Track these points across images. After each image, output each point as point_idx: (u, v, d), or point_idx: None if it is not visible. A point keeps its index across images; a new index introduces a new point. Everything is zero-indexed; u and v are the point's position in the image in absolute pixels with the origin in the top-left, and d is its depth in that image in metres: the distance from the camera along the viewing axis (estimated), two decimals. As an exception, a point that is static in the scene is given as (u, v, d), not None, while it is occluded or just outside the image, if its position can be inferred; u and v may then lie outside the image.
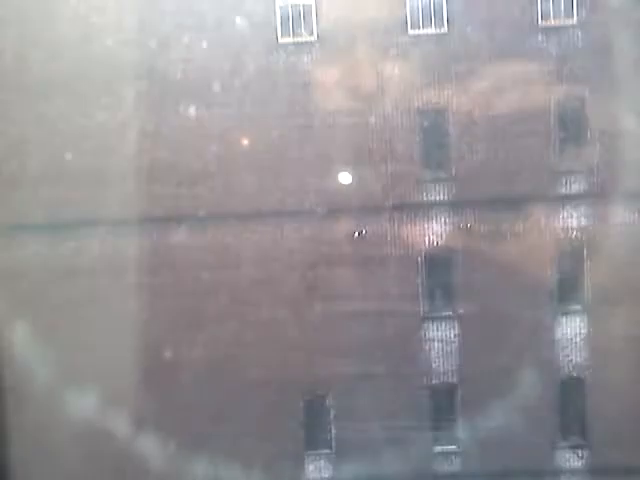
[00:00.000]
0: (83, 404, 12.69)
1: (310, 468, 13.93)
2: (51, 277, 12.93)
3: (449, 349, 14.11)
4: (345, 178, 13.29)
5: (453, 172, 13.58)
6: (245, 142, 12.84)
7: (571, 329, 14.12)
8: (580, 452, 14.60)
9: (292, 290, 13.28)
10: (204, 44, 12.87)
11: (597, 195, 13.51)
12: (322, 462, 13.94)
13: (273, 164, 13.12)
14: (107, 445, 12.89)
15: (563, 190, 13.50)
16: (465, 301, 13.91)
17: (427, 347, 13.98)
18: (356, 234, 13.49)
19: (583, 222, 13.71)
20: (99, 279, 12.83)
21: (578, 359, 14.17)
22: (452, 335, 14.06)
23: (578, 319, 14.12)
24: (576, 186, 13.59)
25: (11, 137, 13.26)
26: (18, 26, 12.86)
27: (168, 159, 12.82)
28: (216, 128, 13.01)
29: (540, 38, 13.31)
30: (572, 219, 13.72)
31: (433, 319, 13.91)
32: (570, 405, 14.39)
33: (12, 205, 13.05)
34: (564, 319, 14.04)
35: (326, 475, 13.93)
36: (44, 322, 12.98)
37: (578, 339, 14.18)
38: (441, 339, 14.05)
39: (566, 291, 13.95)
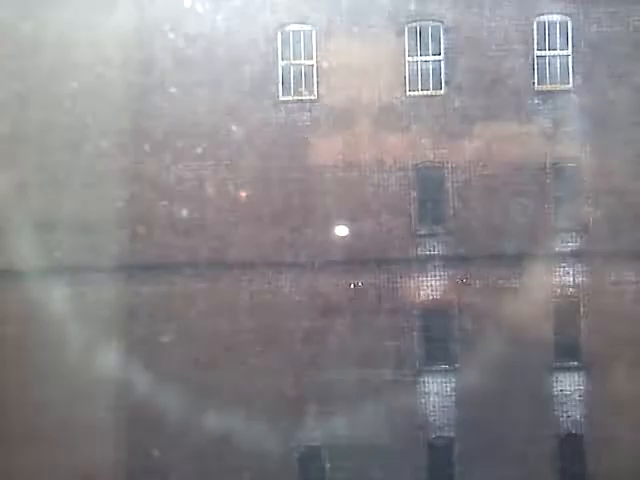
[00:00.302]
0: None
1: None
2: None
3: (446, 403, 14.19)
4: (342, 231, 13.65)
5: (449, 227, 13.76)
6: (243, 194, 13.25)
7: (569, 385, 14.19)
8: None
9: (287, 339, 13.58)
10: (208, 99, 13.60)
11: (593, 253, 13.61)
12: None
13: (270, 216, 13.37)
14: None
15: (559, 248, 13.82)
16: (461, 355, 14.14)
17: (423, 400, 14.17)
18: (352, 285, 13.77)
19: (579, 279, 13.82)
20: (88, 326, 12.80)
21: (577, 416, 14.24)
22: (449, 389, 14.23)
23: (576, 375, 14.17)
24: (572, 244, 13.97)
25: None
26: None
27: (167, 208, 13.30)
28: (214, 179, 13.51)
29: (536, 101, 13.89)
30: (568, 276, 13.76)
31: (429, 372, 14.15)
32: (569, 461, 14.33)
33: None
34: (561, 375, 14.18)
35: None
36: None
37: (576, 395, 14.26)
38: (438, 392, 14.20)
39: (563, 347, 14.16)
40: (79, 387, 12.79)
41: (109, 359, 12.79)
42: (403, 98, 13.52)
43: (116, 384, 12.88)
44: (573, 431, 14.12)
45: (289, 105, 13.47)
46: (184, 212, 13.10)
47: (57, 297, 12.90)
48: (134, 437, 13.04)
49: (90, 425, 12.90)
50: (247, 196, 13.19)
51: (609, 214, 13.24)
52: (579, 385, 14.14)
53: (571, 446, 14.29)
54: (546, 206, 13.50)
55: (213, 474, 13.38)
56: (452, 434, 13.96)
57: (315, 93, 13.67)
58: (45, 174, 13.32)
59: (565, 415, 14.17)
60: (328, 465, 13.72)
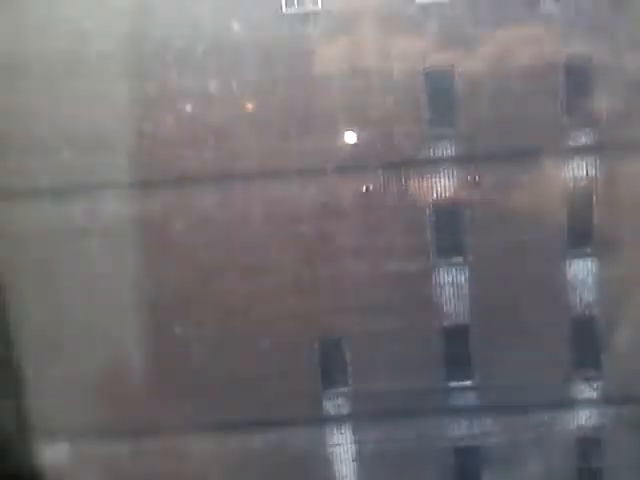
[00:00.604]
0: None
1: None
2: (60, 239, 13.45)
3: (460, 295, 14.71)
4: (351, 137, 13.62)
5: (460, 129, 13.47)
6: (249, 106, 13.21)
7: (582, 271, 14.51)
8: (594, 384, 15.30)
9: (302, 246, 13.95)
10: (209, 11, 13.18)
11: (606, 145, 13.39)
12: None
13: (278, 126, 13.36)
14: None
15: (572, 142, 13.57)
16: (475, 249, 14.45)
17: (438, 291, 14.72)
18: (365, 189, 13.94)
19: (592, 171, 13.78)
20: (108, 241, 13.21)
21: (590, 300, 14.65)
22: (463, 279, 14.67)
23: (589, 261, 14.44)
24: (585, 138, 13.71)
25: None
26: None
27: (175, 123, 13.28)
28: (220, 92, 13.35)
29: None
30: (581, 169, 13.72)
31: (443, 265, 14.46)
32: (583, 341, 14.94)
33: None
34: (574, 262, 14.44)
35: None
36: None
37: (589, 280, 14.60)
38: (452, 283, 14.67)
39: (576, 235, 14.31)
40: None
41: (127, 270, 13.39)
42: (410, 5, 13.06)
43: (135, 291, 13.51)
44: (587, 314, 14.77)
45: (293, 17, 13.09)
46: (189, 125, 13.26)
47: (73, 213, 13.47)
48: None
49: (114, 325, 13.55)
50: (253, 106, 13.23)
51: (623, 107, 12.99)
52: (591, 271, 14.61)
53: (585, 329, 14.96)
54: (559, 103, 13.36)
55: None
56: (466, 321, 14.79)
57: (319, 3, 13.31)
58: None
59: (578, 299, 14.74)
60: (349, 354, 14.80)
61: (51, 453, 13.69)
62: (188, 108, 12.97)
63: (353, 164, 13.51)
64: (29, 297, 12.38)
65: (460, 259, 14.26)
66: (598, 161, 13.38)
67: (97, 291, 13.30)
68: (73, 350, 13.16)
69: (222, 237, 13.70)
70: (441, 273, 14.39)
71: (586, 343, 14.80)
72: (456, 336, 14.69)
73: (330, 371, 14.63)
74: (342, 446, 14.80)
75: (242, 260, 13.87)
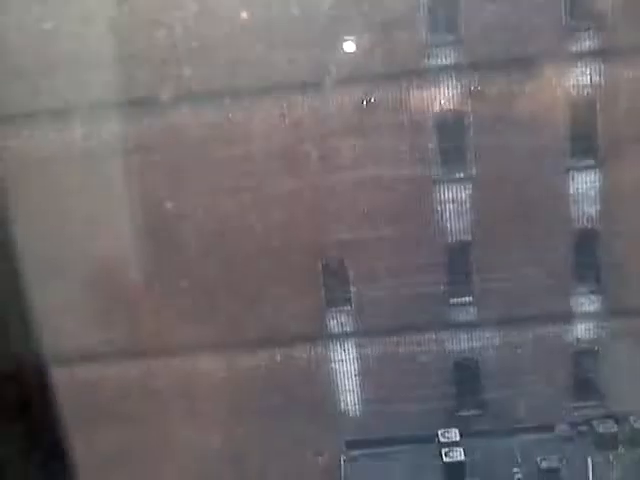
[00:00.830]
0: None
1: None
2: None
3: (462, 209, 14.56)
4: (350, 47, 13.14)
5: (461, 35, 12.90)
6: (245, 15, 12.68)
7: (584, 183, 14.33)
8: (593, 297, 15.38)
9: (305, 160, 13.67)
10: None
11: (610, 51, 12.76)
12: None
13: (276, 37, 12.75)
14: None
15: (575, 48, 13.10)
16: (478, 162, 14.19)
17: (440, 208, 14.55)
18: (364, 102, 13.59)
19: (595, 79, 13.42)
20: (108, 160, 12.95)
21: (592, 212, 14.54)
22: (465, 196, 14.49)
23: (592, 173, 14.25)
24: (588, 42, 13.21)
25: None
26: None
27: (170, 39, 12.80)
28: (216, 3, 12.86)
29: None
30: (584, 76, 13.33)
31: (445, 182, 14.31)
32: (584, 255, 14.92)
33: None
34: (577, 174, 14.24)
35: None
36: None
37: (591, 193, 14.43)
38: (454, 200, 14.48)
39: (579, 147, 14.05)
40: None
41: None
42: None
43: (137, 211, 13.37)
44: (589, 226, 14.69)
45: None
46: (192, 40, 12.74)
47: (83, 134, 13.18)
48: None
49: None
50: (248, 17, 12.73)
51: (627, 11, 12.53)
52: (594, 183, 14.45)
53: (586, 242, 14.92)
54: (562, 5, 12.73)
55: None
56: (469, 238, 14.71)
57: None
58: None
59: (580, 213, 14.64)
60: (352, 273, 14.75)
61: (60, 375, 13.82)
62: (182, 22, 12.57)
63: (352, 75, 13.22)
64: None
65: (462, 174, 14.05)
66: (602, 67, 12.86)
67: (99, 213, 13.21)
68: (77, 271, 13.07)
69: (221, 154, 13.46)
70: (443, 189, 14.26)
71: (587, 257, 14.75)
72: (458, 253, 14.75)
73: (333, 290, 14.64)
74: (345, 362, 14.97)
75: (242, 178, 13.61)
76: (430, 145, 13.58)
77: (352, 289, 14.29)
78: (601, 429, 13.06)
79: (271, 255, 13.72)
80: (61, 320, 12.85)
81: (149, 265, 13.24)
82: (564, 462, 12.43)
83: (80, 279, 12.91)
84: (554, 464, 12.34)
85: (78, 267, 12.87)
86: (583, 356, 14.90)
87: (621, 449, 12.71)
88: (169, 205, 13.05)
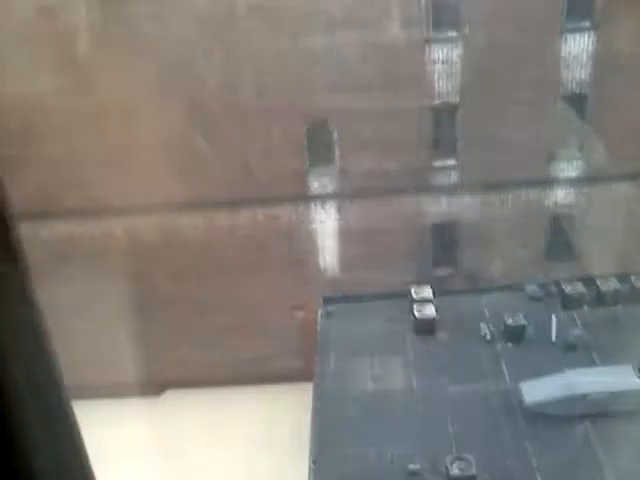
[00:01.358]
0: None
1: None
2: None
3: (452, 71, 14.15)
4: None
5: None
6: None
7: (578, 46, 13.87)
8: (575, 163, 15.41)
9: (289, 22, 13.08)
10: None
11: None
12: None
13: None
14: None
15: None
16: (471, 21, 13.49)
17: (429, 69, 14.10)
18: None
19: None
20: None
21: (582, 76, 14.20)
22: (455, 57, 13.99)
23: (585, 35, 13.76)
24: None
25: None
26: None
27: None
28: None
29: None
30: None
31: (436, 41, 13.68)
32: (569, 119, 14.75)
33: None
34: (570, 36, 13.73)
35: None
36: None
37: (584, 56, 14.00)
38: (444, 60, 14.00)
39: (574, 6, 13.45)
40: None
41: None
42: None
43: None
44: (577, 92, 14.40)
45: None
46: None
47: None
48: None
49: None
50: None
51: None
52: (588, 47, 14.00)
53: (574, 107, 14.66)
54: None
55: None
56: (457, 100, 14.37)
57: None
58: None
59: (571, 76, 14.28)
60: (335, 133, 14.60)
61: (41, 229, 14.07)
62: None
63: None
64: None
65: (454, 33, 13.61)
66: None
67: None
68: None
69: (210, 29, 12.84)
70: (434, 49, 13.79)
71: (572, 121, 14.63)
72: (444, 115, 14.53)
73: (316, 150, 14.48)
74: (326, 223, 15.21)
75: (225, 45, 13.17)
76: (422, 1, 13.00)
77: (336, 151, 14.20)
78: (568, 290, 13.57)
79: (256, 116, 13.49)
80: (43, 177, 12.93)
81: (138, 121, 13.04)
82: (530, 320, 13.00)
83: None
84: (520, 321, 12.90)
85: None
86: (559, 221, 15.20)
87: (585, 309, 13.28)
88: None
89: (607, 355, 11.08)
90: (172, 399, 9.25)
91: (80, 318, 13.54)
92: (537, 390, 10.56)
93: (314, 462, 9.70)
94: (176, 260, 14.21)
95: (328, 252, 14.87)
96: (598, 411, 9.57)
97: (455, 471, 9.46)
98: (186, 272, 14.32)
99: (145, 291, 13.96)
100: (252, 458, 8.80)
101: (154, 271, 14.23)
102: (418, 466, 9.85)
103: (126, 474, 8.32)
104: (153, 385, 13.55)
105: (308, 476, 9.55)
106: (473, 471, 9.33)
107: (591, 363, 11.17)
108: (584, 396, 9.92)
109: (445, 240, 15.08)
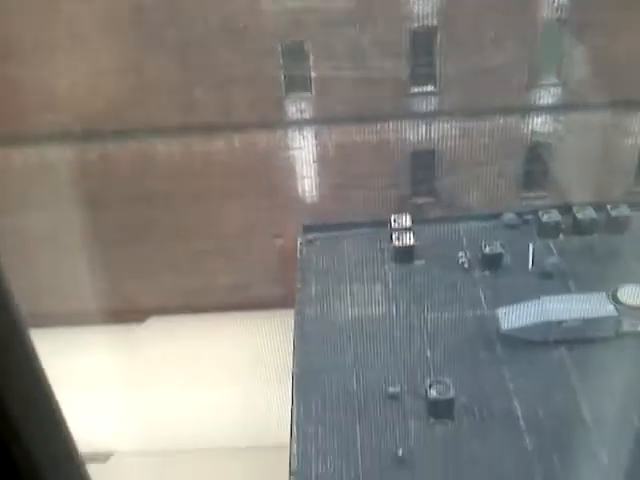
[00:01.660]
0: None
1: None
2: None
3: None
4: None
5: None
6: None
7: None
8: (553, 90, 15.30)
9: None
10: None
11: None
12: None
13: None
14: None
15: None
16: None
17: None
18: None
19: None
20: None
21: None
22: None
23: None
24: None
25: None
26: None
27: None
28: None
29: None
30: None
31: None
32: (549, 47, 14.55)
33: None
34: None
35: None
36: None
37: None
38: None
39: None
40: None
41: None
42: None
43: None
44: (558, 18, 14.12)
45: None
46: None
47: None
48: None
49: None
50: None
51: None
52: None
53: (554, 33, 14.41)
54: None
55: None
56: (435, 22, 14.00)
57: None
58: None
59: (551, 1, 14.02)
60: (312, 58, 14.20)
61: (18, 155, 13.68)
62: None
63: None
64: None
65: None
66: None
67: None
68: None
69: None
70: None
71: (552, 48, 14.42)
72: (422, 39, 14.17)
73: (293, 76, 14.11)
74: (304, 149, 14.99)
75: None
76: None
77: (312, 74, 13.85)
78: (545, 218, 13.71)
79: (230, 38, 13.04)
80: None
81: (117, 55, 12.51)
82: (507, 248, 13.16)
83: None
84: (497, 249, 13.06)
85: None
86: (537, 149, 15.20)
87: (562, 237, 13.47)
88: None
89: (582, 283, 11.32)
90: (155, 326, 9.37)
91: (57, 246, 13.38)
92: (513, 316, 10.81)
93: (297, 386, 9.91)
94: (152, 186, 13.97)
95: (307, 179, 14.73)
96: (573, 337, 9.85)
97: (433, 394, 9.73)
98: (163, 198, 14.11)
99: (124, 217, 13.79)
100: (236, 382, 9.01)
101: (131, 197, 14.01)
102: (397, 389, 10.12)
103: (111, 398, 8.42)
104: (136, 312, 13.60)
105: (291, 399, 9.77)
106: (451, 394, 9.61)
107: (567, 290, 11.41)
108: (559, 323, 10.18)
109: (424, 168, 15.02)
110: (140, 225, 13.87)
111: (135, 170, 13.81)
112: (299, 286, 11.94)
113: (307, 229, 14.09)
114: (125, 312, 12.36)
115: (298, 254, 13.61)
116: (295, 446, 8.00)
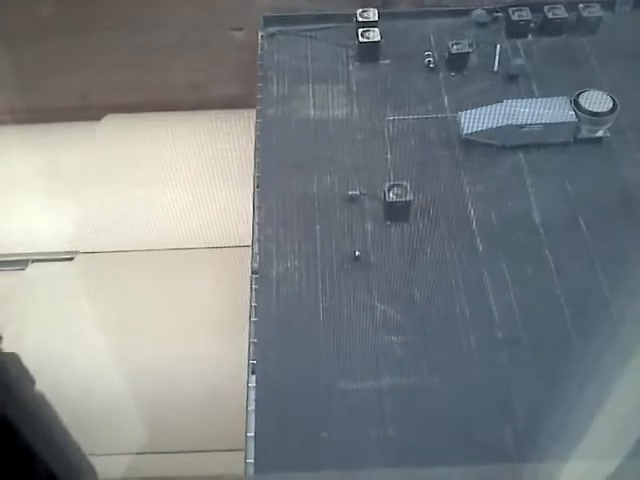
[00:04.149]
0: None
1: None
2: None
3: None
4: None
5: None
6: None
7: None
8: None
9: None
10: None
11: None
12: None
13: None
14: None
15: None
16: None
17: None
18: None
19: None
20: None
21: None
22: None
23: None
24: None
25: None
26: None
27: None
28: None
29: None
30: None
31: None
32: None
33: None
34: None
35: None
36: None
37: None
38: None
39: None
40: None
41: None
42: None
43: None
44: None
45: None
46: None
47: None
48: None
49: None
50: None
51: None
52: None
53: None
54: None
55: None
56: None
57: None
58: None
59: None
60: None
61: None
62: None
63: None
64: None
65: None
66: None
67: None
68: None
69: None
70: None
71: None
72: None
73: None
74: None
75: None
76: None
77: None
78: (515, 17, 12.96)
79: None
80: None
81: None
82: (474, 47, 12.57)
83: None
84: (464, 49, 12.46)
85: None
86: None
87: (530, 37, 12.85)
88: None
89: (546, 86, 10.96)
90: (113, 123, 8.75)
91: None
92: (475, 120, 10.56)
93: (258, 187, 9.81)
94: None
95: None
96: (532, 142, 9.72)
97: (392, 197, 9.75)
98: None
99: (69, 6, 12.59)
100: (197, 183, 8.76)
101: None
102: (357, 192, 10.10)
103: (71, 199, 8.19)
104: (92, 110, 12.86)
105: (252, 200, 9.73)
106: (409, 197, 9.64)
107: (531, 94, 11.07)
108: (520, 127, 9.99)
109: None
110: (87, 15, 12.72)
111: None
112: (260, 85, 11.34)
113: (268, 21, 13.11)
114: (79, 109, 11.58)
115: (259, 49, 12.83)
116: (256, 246, 8.02)
